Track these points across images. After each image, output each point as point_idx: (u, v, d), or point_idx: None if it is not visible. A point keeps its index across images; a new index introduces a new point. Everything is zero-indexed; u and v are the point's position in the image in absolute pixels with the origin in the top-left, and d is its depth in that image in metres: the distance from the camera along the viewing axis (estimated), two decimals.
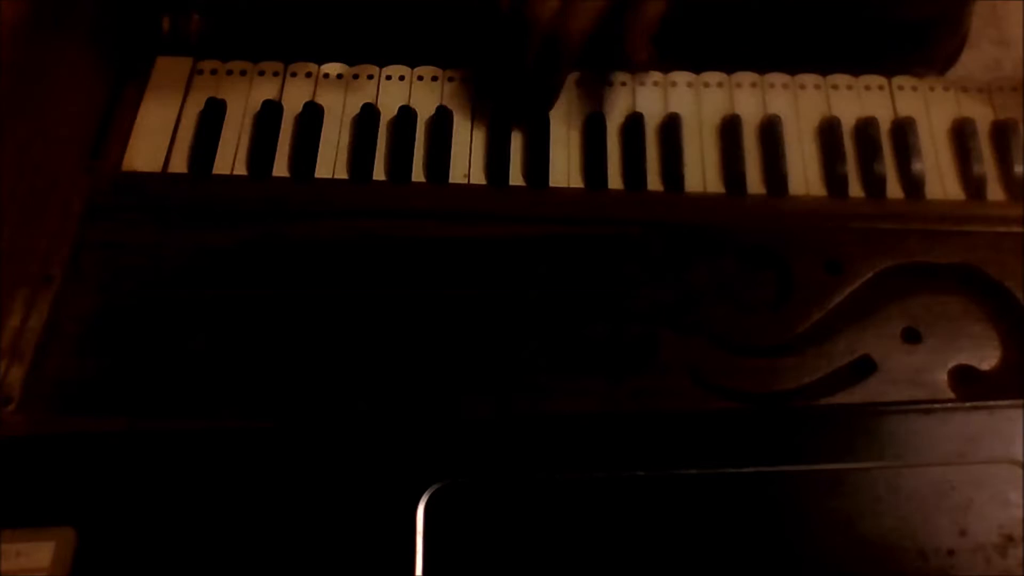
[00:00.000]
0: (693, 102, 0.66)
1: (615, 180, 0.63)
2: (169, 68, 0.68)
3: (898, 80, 0.67)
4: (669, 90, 0.67)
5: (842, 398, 0.54)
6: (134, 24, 0.69)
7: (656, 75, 0.68)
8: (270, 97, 0.66)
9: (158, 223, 0.61)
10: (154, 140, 0.64)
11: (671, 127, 0.65)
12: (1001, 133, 0.64)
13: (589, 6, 0.60)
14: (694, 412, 0.54)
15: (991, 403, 0.49)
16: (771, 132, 0.64)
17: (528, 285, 0.58)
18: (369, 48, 0.69)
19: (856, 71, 0.68)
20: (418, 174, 0.64)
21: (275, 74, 0.68)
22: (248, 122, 0.65)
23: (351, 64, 0.68)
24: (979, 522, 0.45)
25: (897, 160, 0.64)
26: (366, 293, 0.58)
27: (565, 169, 0.64)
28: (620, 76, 0.67)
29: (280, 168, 0.64)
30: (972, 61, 0.82)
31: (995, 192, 0.63)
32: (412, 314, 0.57)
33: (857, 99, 0.67)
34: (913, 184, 0.63)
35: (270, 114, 0.65)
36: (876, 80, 0.67)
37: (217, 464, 0.48)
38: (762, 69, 0.68)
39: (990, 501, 0.46)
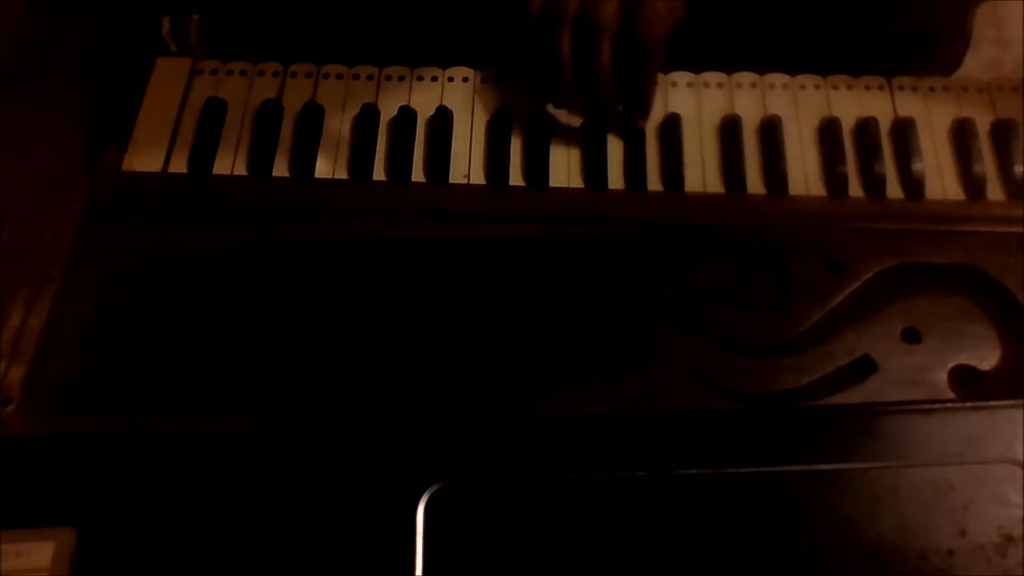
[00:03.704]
0: (693, 102, 0.66)
1: (615, 180, 0.63)
2: (169, 68, 0.68)
3: (898, 80, 0.67)
4: (669, 90, 0.67)
5: (842, 398, 0.54)
6: (134, 24, 0.69)
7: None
8: (270, 97, 0.66)
9: (158, 223, 0.61)
10: (154, 140, 0.64)
11: (671, 127, 0.65)
12: (1001, 133, 0.64)
13: (664, 6, 0.60)
14: (694, 412, 0.54)
15: (991, 403, 0.49)
16: (771, 132, 0.64)
17: (528, 285, 0.58)
18: (369, 48, 0.69)
19: (856, 71, 0.68)
20: (418, 174, 0.64)
21: (275, 74, 0.68)
22: (248, 122, 0.65)
23: (351, 64, 0.68)
24: (979, 522, 0.45)
25: (897, 160, 0.64)
26: (365, 293, 0.58)
27: (565, 169, 0.64)
28: None
29: (280, 168, 0.64)
30: (972, 61, 0.82)
31: (995, 192, 0.63)
32: (412, 314, 0.57)
33: (857, 99, 0.66)
34: (913, 184, 0.63)
35: (270, 114, 0.65)
36: (876, 80, 0.67)
37: (217, 464, 0.48)
38: (762, 69, 0.68)
39: (990, 501, 0.45)
